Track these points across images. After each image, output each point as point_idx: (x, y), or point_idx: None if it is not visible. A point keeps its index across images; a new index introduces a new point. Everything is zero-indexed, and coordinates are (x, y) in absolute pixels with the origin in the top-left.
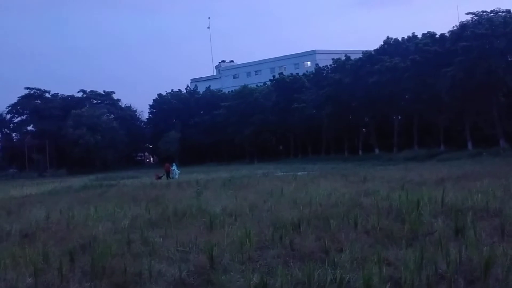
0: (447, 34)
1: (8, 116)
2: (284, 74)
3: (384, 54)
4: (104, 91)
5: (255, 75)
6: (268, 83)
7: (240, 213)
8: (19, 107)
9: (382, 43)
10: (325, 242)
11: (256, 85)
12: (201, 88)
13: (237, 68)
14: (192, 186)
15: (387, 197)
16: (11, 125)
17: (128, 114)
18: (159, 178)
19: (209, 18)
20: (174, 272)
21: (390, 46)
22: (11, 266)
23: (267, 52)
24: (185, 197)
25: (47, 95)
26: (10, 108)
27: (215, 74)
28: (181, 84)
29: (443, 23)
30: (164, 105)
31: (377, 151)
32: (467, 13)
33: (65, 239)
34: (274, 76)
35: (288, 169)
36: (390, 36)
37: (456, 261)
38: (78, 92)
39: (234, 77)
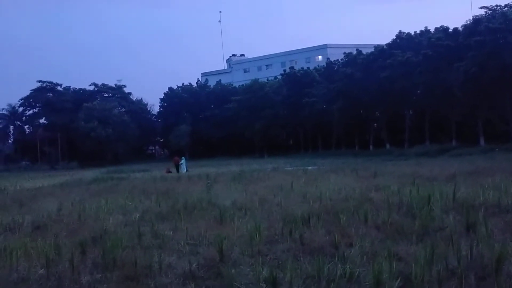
0: (460, 29)
1: (21, 109)
2: (295, 68)
3: (396, 49)
4: (115, 85)
5: (266, 69)
6: (279, 77)
7: (250, 207)
8: (31, 100)
9: (394, 37)
10: (335, 237)
11: (267, 79)
12: (212, 82)
13: (248, 62)
14: (202, 179)
15: (398, 192)
16: (24, 118)
17: (139, 107)
18: (169, 171)
19: (220, 12)
20: (184, 265)
21: (403, 40)
22: (24, 257)
23: (278, 46)
24: (196, 191)
25: (59, 88)
26: (22, 101)
27: (225, 68)
28: (192, 78)
29: (456, 17)
30: (175, 98)
31: (388, 146)
32: (481, 7)
33: (77, 231)
34: (284, 71)
35: (298, 164)
36: (402, 31)
37: (467, 257)
38: (90, 85)
39: (245, 71)
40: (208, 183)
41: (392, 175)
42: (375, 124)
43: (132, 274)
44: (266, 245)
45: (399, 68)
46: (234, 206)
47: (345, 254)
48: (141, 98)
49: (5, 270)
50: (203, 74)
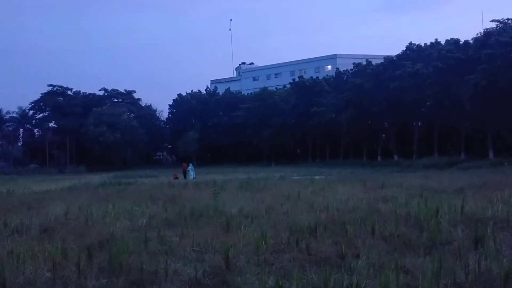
0: (471, 41)
1: (31, 112)
2: (304, 77)
3: (406, 60)
4: (125, 90)
5: (275, 77)
6: (288, 86)
7: (257, 215)
8: (41, 104)
9: (405, 49)
10: (341, 248)
11: (276, 88)
12: (221, 90)
13: (257, 70)
14: (210, 186)
15: (406, 204)
16: (34, 121)
17: (148, 113)
18: (177, 177)
19: (231, 20)
20: (190, 272)
21: (413, 52)
22: (30, 260)
23: (288, 55)
24: (202, 198)
25: (69, 92)
26: (32, 104)
27: (235, 76)
28: (201, 85)
29: (467, 30)
30: (184, 105)
31: (396, 157)
32: (492, 21)
33: (83, 235)
34: (294, 79)
35: (305, 173)
36: (413, 42)
37: (475, 271)
38: (100, 90)
39: (254, 79)
40: (215, 190)
41: (400, 187)
42: (383, 135)
43: (138, 279)
44: (273, 254)
45: (409, 80)
46: (241, 214)
47: (352, 265)
48: (150, 104)
49: (12, 272)
50: (212, 82)
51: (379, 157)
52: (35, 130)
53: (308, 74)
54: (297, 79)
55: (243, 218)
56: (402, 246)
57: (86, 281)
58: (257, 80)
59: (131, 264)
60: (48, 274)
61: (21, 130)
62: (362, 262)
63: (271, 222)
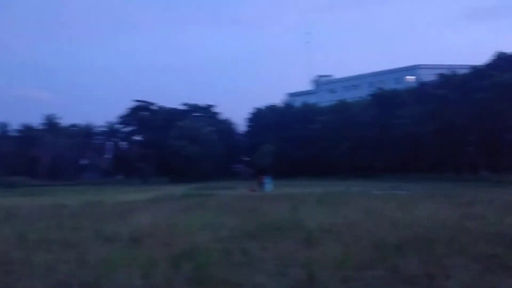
0: None
1: (118, 126)
2: (384, 88)
3: (494, 70)
4: (205, 104)
5: (353, 89)
6: (367, 98)
7: (337, 230)
8: (128, 118)
9: (494, 58)
10: (430, 267)
11: (354, 100)
12: (298, 103)
13: (334, 82)
14: (287, 199)
15: (497, 222)
16: (120, 134)
17: (226, 126)
18: (254, 190)
19: (307, 32)
20: (273, 285)
21: (502, 61)
22: (122, 268)
23: (367, 67)
24: (281, 211)
25: (153, 107)
26: (120, 119)
27: (312, 88)
28: (278, 98)
29: None
30: (261, 118)
31: (483, 172)
32: None
33: (169, 245)
34: (373, 91)
35: (386, 188)
36: (502, 51)
37: None
38: (181, 105)
39: (331, 91)
40: (294, 204)
41: (489, 204)
42: (469, 148)
43: None
44: (357, 270)
45: (497, 90)
46: (321, 229)
47: (443, 286)
48: (229, 118)
49: (106, 279)
50: (290, 95)
51: (465, 172)
52: (122, 143)
53: (388, 85)
54: (376, 91)
55: (323, 232)
56: (497, 267)
57: None
58: (335, 92)
59: (215, 275)
60: (139, 281)
61: (109, 143)
62: (453, 283)
63: (352, 237)
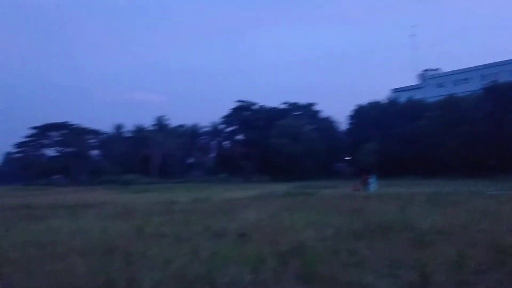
0: None
1: (221, 126)
2: (498, 81)
3: None
4: (305, 103)
5: (463, 83)
6: (478, 91)
7: (451, 232)
8: (230, 118)
9: None
10: None
11: (464, 94)
12: (403, 98)
13: (442, 76)
14: (394, 199)
15: None
16: (223, 134)
17: (328, 124)
18: (358, 189)
19: (412, 26)
20: (384, 286)
21: None
22: (231, 262)
23: (478, 59)
24: (388, 211)
25: (254, 107)
26: (223, 119)
27: (417, 83)
28: (381, 94)
29: None
30: (363, 115)
31: None
32: None
33: (275, 242)
34: (486, 84)
35: (503, 187)
36: None
37: None
38: (281, 104)
39: (439, 86)
40: (402, 203)
41: None
42: None
43: None
44: (473, 274)
45: None
46: (433, 230)
47: None
48: (330, 116)
49: (217, 273)
50: (394, 90)
51: None
52: (225, 142)
53: (503, 78)
54: (490, 84)
55: (435, 234)
56: None
57: (283, 285)
58: (443, 86)
59: (324, 274)
60: (248, 276)
61: (213, 142)
62: None
63: (467, 239)
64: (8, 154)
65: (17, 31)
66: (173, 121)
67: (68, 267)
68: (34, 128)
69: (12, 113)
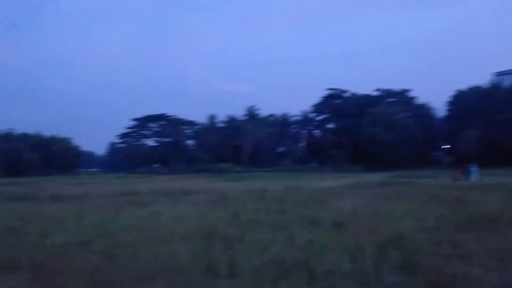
0: None
1: (312, 114)
2: None
3: None
4: (400, 89)
5: None
6: None
7: None
8: (321, 107)
9: None
10: None
11: None
12: (508, 82)
13: None
14: (500, 190)
15: None
16: (314, 123)
17: (424, 111)
18: (457, 179)
19: None
20: (494, 280)
21: None
22: (328, 250)
23: None
24: (493, 201)
25: (345, 94)
26: (314, 107)
27: None
28: (483, 78)
29: None
30: (463, 101)
31: None
32: None
33: (373, 232)
34: None
35: None
36: None
37: None
38: (374, 91)
39: None
40: (509, 194)
41: None
42: None
43: (436, 281)
44: None
45: None
46: None
47: None
48: (426, 102)
49: (315, 260)
50: (497, 74)
51: None
52: (316, 131)
53: None
54: None
55: None
56: None
57: (384, 275)
58: None
59: (426, 265)
60: (347, 265)
61: (303, 131)
62: None
63: None
64: (113, 144)
65: (120, 28)
66: (264, 111)
67: (172, 250)
68: (135, 119)
69: (115, 106)
